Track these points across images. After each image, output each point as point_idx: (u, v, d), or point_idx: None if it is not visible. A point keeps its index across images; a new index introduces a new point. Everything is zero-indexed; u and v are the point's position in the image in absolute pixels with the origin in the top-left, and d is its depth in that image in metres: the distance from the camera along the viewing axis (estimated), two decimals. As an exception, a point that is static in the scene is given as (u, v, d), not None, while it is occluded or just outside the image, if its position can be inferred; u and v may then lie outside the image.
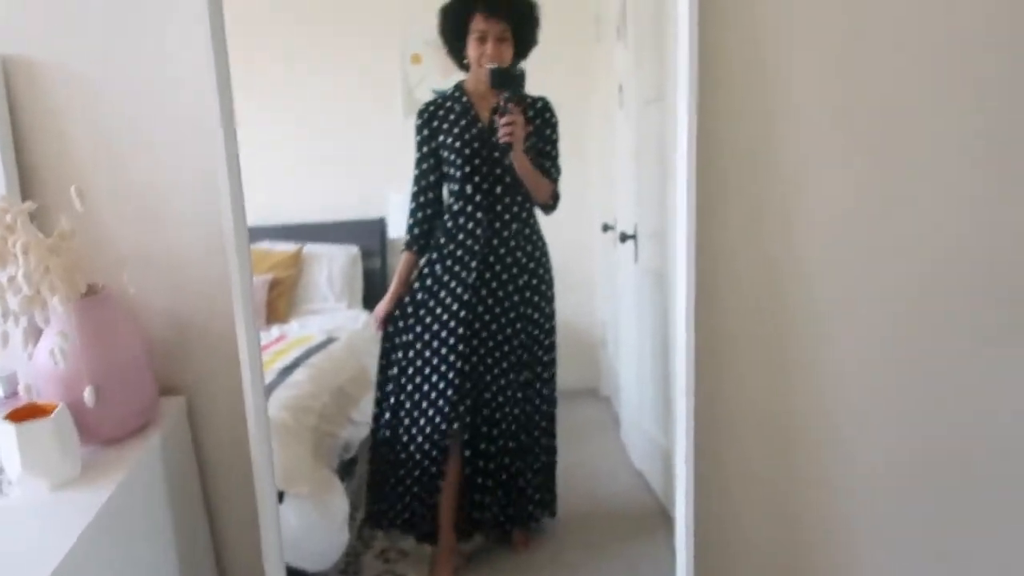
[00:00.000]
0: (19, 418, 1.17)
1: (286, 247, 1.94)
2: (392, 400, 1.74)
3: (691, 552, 1.53)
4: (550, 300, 1.77)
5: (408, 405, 1.73)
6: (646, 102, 1.74)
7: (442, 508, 1.73)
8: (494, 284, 1.70)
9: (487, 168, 1.67)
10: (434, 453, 1.71)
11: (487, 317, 1.71)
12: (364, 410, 1.80)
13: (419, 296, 1.73)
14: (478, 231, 1.69)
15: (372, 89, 1.88)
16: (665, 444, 1.71)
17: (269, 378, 1.64)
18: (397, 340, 1.75)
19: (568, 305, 1.81)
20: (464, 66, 1.69)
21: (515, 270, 1.71)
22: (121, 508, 1.18)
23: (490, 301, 1.70)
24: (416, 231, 1.75)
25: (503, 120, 1.61)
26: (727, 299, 1.53)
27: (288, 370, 1.72)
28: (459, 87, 1.71)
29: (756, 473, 1.62)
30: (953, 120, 1.44)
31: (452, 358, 1.70)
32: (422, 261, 1.74)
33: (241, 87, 1.34)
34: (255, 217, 1.40)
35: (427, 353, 1.72)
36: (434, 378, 1.71)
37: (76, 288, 1.23)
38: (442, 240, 1.71)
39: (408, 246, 1.76)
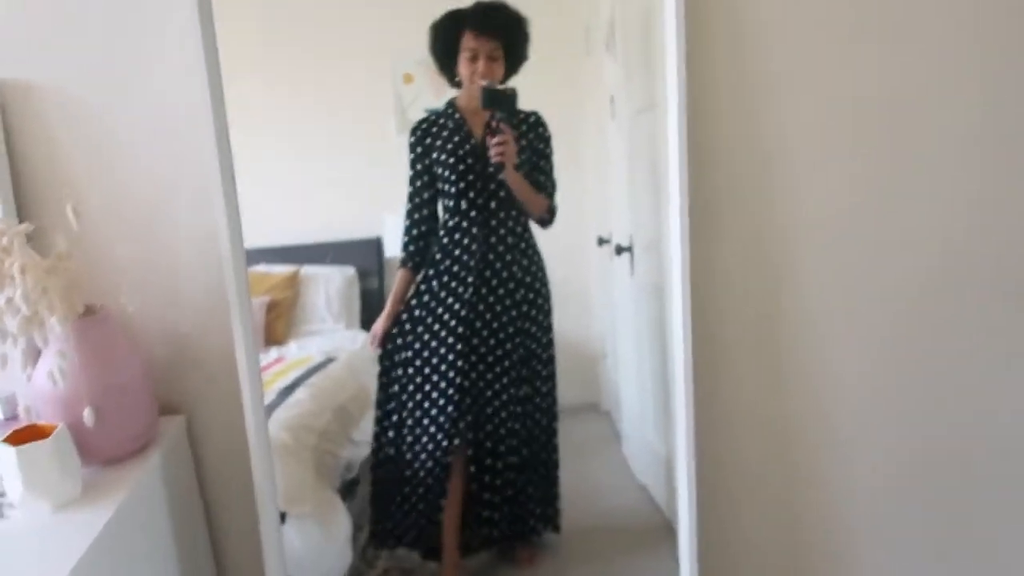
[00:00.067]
0: (19, 440, 1.17)
1: (283, 269, 1.93)
2: (394, 418, 1.74)
3: (695, 562, 1.53)
4: (547, 314, 1.77)
5: (410, 423, 1.72)
6: (637, 112, 1.75)
7: (445, 525, 1.71)
8: (491, 299, 1.70)
9: (481, 183, 1.68)
10: (436, 470, 1.70)
11: (485, 332, 1.71)
12: (365, 429, 1.79)
13: (417, 313, 1.73)
14: (474, 246, 1.69)
15: (365, 110, 1.89)
16: (667, 456, 1.71)
17: (269, 398, 1.64)
18: (396, 358, 1.74)
19: (566, 320, 1.81)
20: (456, 84, 1.70)
21: (512, 284, 1.71)
22: (123, 528, 1.17)
23: (488, 316, 1.70)
24: (411, 248, 1.75)
25: (494, 140, 1.62)
26: (724, 308, 1.54)
27: (288, 390, 1.71)
28: (451, 104, 1.72)
29: (758, 480, 1.62)
30: (947, 122, 1.46)
31: (451, 374, 1.69)
32: (419, 278, 1.74)
33: (234, 110, 1.35)
34: (251, 240, 1.41)
35: (426, 370, 1.71)
36: (434, 395, 1.70)
37: (74, 308, 1.23)
38: (438, 256, 1.72)
39: (403, 263, 1.76)
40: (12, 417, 1.31)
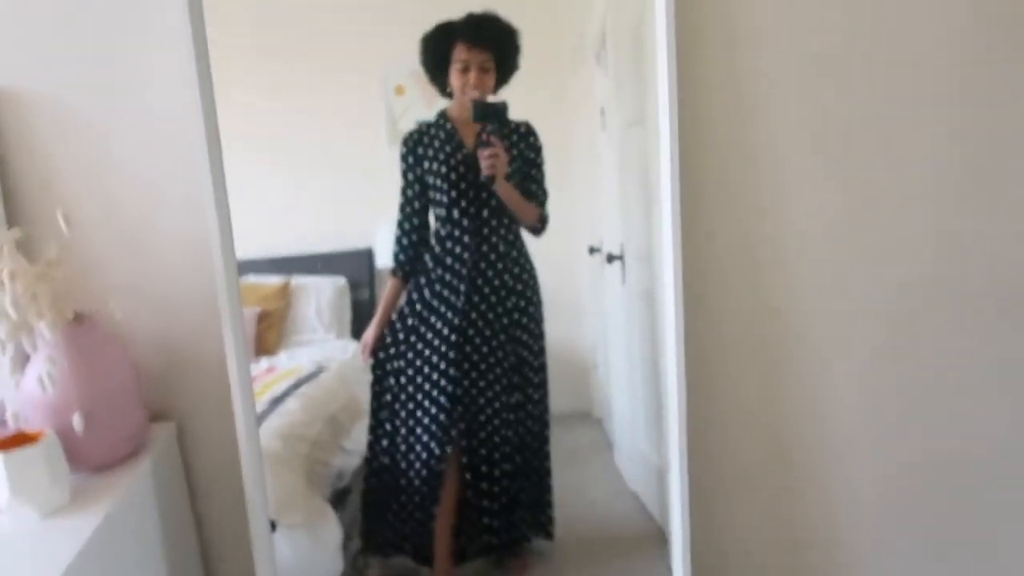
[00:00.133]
0: (7, 446, 1.16)
1: (274, 280, 1.93)
2: (387, 427, 1.73)
3: (688, 570, 1.52)
4: (539, 322, 1.77)
5: (403, 431, 1.72)
6: (628, 124, 1.76)
7: (437, 533, 1.71)
8: (483, 307, 1.71)
9: (473, 193, 1.69)
10: (429, 478, 1.69)
11: (477, 340, 1.71)
12: (356, 439, 1.78)
13: (409, 322, 1.73)
14: (465, 255, 1.70)
15: (356, 121, 1.89)
16: (659, 464, 1.70)
17: (260, 408, 1.63)
18: (389, 367, 1.74)
19: (558, 329, 1.81)
20: (448, 94, 1.71)
21: (503, 293, 1.72)
22: (112, 535, 1.16)
23: (480, 324, 1.71)
24: (402, 257, 1.75)
25: (485, 153, 1.63)
26: (716, 316, 1.54)
27: (279, 400, 1.71)
28: (443, 114, 1.73)
29: (751, 488, 1.61)
30: (939, 130, 1.47)
31: (443, 382, 1.69)
32: (410, 287, 1.74)
33: (225, 120, 1.36)
34: (242, 251, 1.41)
35: (419, 379, 1.71)
36: (426, 403, 1.70)
37: (63, 315, 1.23)
38: (430, 265, 1.72)
39: (394, 272, 1.76)
40: (0, 423, 1.31)
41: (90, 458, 1.27)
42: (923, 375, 1.55)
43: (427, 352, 1.71)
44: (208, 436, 1.47)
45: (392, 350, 1.74)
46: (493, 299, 1.71)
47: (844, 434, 1.57)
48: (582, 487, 1.88)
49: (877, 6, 1.42)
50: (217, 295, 1.35)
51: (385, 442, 1.73)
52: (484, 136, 1.64)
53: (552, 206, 1.75)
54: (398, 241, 1.76)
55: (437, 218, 1.73)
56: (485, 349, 1.71)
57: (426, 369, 1.71)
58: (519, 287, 1.74)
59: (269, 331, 1.91)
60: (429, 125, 1.73)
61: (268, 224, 1.85)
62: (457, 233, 1.70)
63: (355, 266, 1.94)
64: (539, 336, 1.77)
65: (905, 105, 1.45)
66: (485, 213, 1.69)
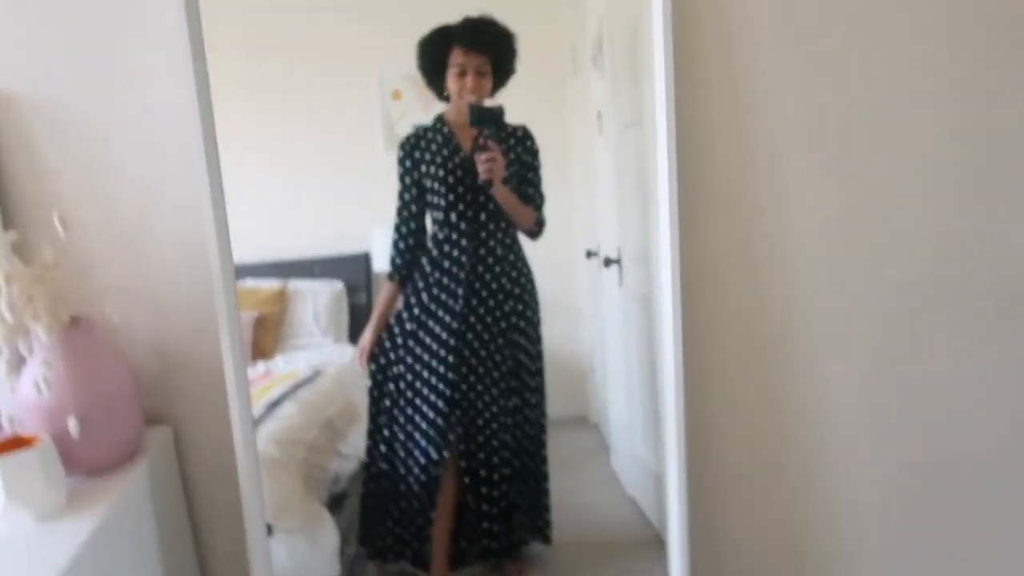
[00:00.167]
0: (2, 450, 1.15)
1: (271, 284, 1.93)
2: (386, 432, 1.73)
3: (685, 573, 1.52)
4: (536, 325, 1.77)
5: (402, 436, 1.72)
6: (625, 126, 1.77)
7: (435, 538, 1.70)
8: (481, 310, 1.70)
9: (471, 196, 1.69)
10: (426, 482, 1.69)
11: (476, 344, 1.71)
12: (352, 443, 1.78)
13: (407, 326, 1.73)
14: (463, 258, 1.70)
15: (353, 126, 1.89)
16: (657, 469, 1.70)
17: (257, 412, 1.62)
18: (389, 372, 1.74)
19: (555, 333, 1.81)
20: (445, 98, 1.71)
21: (501, 296, 1.72)
22: (107, 540, 1.16)
23: (479, 327, 1.70)
24: (398, 261, 1.75)
25: (483, 157, 1.63)
26: (714, 318, 1.54)
27: (276, 404, 1.70)
28: (440, 118, 1.73)
29: (749, 493, 1.61)
30: (937, 130, 1.47)
31: (441, 386, 1.69)
32: (408, 291, 1.74)
33: (222, 124, 1.35)
34: (239, 255, 1.41)
35: (417, 383, 1.71)
36: (424, 407, 1.70)
37: (60, 318, 1.23)
38: (427, 269, 1.72)
39: (390, 276, 1.76)
40: (-5, 428, 1.30)
41: (86, 462, 1.26)
42: (922, 375, 1.55)
43: (425, 356, 1.71)
44: (204, 440, 1.47)
45: (391, 355, 1.73)
46: (491, 303, 1.71)
47: (843, 437, 1.57)
48: (579, 492, 1.88)
49: (875, 5, 1.43)
50: (214, 299, 1.34)
51: (384, 447, 1.73)
52: (481, 140, 1.65)
53: (549, 210, 1.76)
54: (394, 245, 1.75)
55: (434, 222, 1.73)
56: (483, 353, 1.71)
57: (424, 373, 1.70)
58: (517, 291, 1.73)
59: (266, 335, 1.90)
60: (426, 129, 1.73)
61: (265, 228, 1.85)
62: (455, 236, 1.70)
63: (352, 270, 1.93)
64: (536, 340, 1.77)
65: (903, 104, 1.45)
66: (483, 216, 1.69)
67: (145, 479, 1.31)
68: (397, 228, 1.75)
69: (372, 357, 1.75)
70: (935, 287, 1.52)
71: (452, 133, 1.71)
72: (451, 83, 1.68)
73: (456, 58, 1.66)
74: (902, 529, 1.61)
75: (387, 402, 1.74)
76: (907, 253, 1.50)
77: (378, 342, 1.74)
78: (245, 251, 1.50)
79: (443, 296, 1.70)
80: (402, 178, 1.74)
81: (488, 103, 1.68)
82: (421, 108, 1.77)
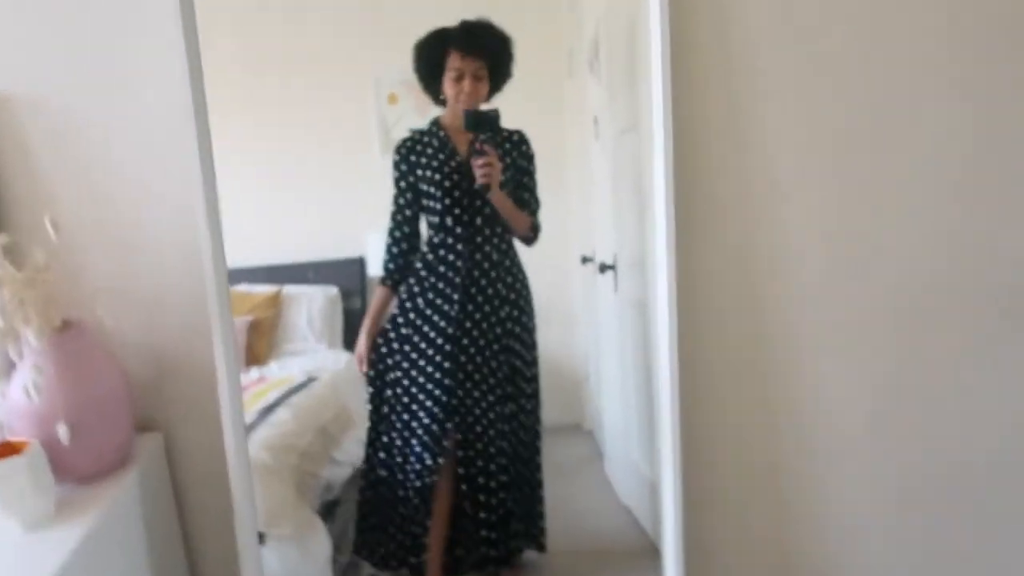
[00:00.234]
0: (-9, 456, 1.14)
1: (265, 289, 1.92)
2: (384, 439, 1.72)
3: (681, 578, 1.51)
4: (532, 331, 1.77)
5: (399, 443, 1.71)
6: (621, 132, 1.76)
7: (431, 545, 1.69)
8: (477, 316, 1.70)
9: (467, 201, 1.68)
10: (422, 489, 1.68)
11: (472, 350, 1.70)
12: (346, 450, 1.77)
13: (403, 331, 1.72)
14: (459, 263, 1.69)
15: (350, 129, 1.89)
16: (652, 477, 1.69)
17: (250, 418, 1.61)
18: (387, 377, 1.73)
19: (550, 340, 1.80)
20: (441, 102, 1.70)
21: (496, 302, 1.71)
22: (97, 548, 1.14)
23: (475, 333, 1.70)
24: (391, 266, 1.74)
25: (479, 162, 1.62)
26: (709, 324, 1.53)
27: (269, 409, 1.69)
28: (436, 122, 1.72)
29: (744, 501, 1.60)
30: (935, 134, 1.47)
31: (437, 392, 1.68)
32: (403, 295, 1.73)
33: (217, 128, 1.34)
34: (233, 259, 1.40)
35: (413, 389, 1.70)
36: (420, 413, 1.69)
37: (51, 322, 1.21)
38: (423, 273, 1.71)
39: (383, 281, 1.75)
40: (-15, 433, 1.29)
41: (76, 469, 1.25)
42: (922, 379, 1.54)
43: (421, 361, 1.70)
44: (196, 447, 1.45)
45: (389, 361, 1.72)
46: (487, 308, 1.70)
47: (840, 445, 1.56)
48: (573, 500, 1.87)
49: (875, 5, 1.42)
50: (207, 303, 1.33)
51: (382, 454, 1.72)
52: (478, 145, 1.64)
53: (545, 215, 1.75)
54: (388, 249, 1.75)
55: (430, 226, 1.72)
56: (479, 358, 1.70)
57: (420, 378, 1.69)
58: (512, 296, 1.73)
59: (259, 341, 1.89)
60: (422, 133, 1.73)
61: (260, 232, 1.84)
62: (450, 241, 1.69)
63: (347, 275, 1.93)
64: (532, 346, 1.76)
65: (903, 105, 1.45)
66: (478, 221, 1.69)
67: (135, 486, 1.29)
68: (391, 232, 1.74)
69: (371, 363, 1.74)
70: (935, 288, 1.51)
71: (448, 137, 1.70)
72: (448, 87, 1.68)
73: (453, 62, 1.66)
74: (898, 538, 1.60)
75: (385, 409, 1.73)
76: (907, 256, 1.49)
77: (374, 347, 1.73)
78: (239, 255, 1.49)
79: (439, 301, 1.70)
80: (397, 182, 1.73)
81: (484, 108, 1.67)
82: (417, 112, 1.77)
